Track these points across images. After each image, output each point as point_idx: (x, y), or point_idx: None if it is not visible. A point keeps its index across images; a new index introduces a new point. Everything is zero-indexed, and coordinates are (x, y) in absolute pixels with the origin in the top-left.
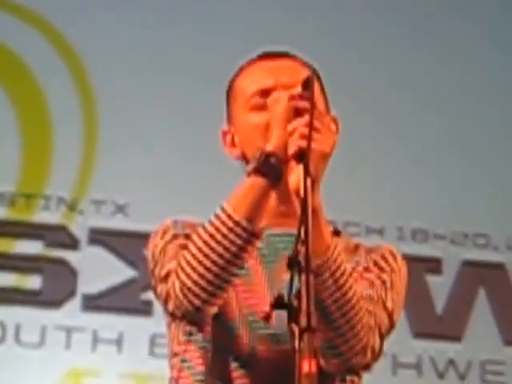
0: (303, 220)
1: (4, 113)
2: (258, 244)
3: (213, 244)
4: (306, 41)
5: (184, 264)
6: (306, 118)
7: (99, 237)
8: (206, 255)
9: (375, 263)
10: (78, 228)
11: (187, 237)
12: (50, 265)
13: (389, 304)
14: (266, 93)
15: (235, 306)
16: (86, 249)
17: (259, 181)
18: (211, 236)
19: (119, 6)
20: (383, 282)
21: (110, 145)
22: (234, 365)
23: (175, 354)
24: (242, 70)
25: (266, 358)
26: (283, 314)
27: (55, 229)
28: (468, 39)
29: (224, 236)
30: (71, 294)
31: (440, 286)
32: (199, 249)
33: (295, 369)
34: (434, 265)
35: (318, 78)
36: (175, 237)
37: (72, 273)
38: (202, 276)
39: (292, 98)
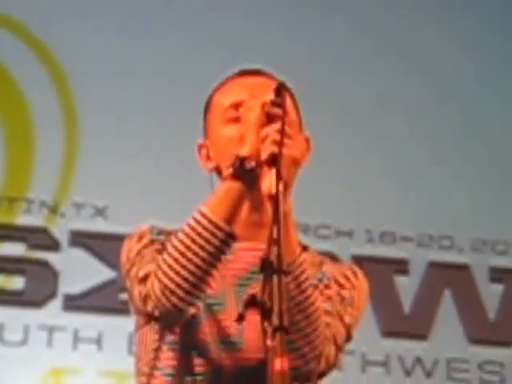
0: (275, 221)
1: None
2: (229, 257)
3: (188, 243)
4: (293, 57)
5: (162, 263)
6: (278, 124)
7: (80, 239)
8: (182, 253)
9: (336, 281)
10: (60, 230)
11: (162, 244)
12: (33, 266)
13: (346, 318)
14: (239, 106)
15: (202, 313)
16: (67, 251)
17: (235, 184)
18: (187, 235)
19: (98, 14)
20: (342, 298)
21: (89, 150)
22: (200, 366)
23: (140, 360)
24: (219, 86)
25: (230, 367)
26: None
27: (37, 231)
28: (442, 54)
29: (199, 235)
30: (53, 294)
31: (407, 287)
32: (175, 247)
33: (261, 374)
34: (401, 266)
35: (292, 96)
36: (152, 242)
37: (53, 274)
38: (178, 274)
39: (264, 104)
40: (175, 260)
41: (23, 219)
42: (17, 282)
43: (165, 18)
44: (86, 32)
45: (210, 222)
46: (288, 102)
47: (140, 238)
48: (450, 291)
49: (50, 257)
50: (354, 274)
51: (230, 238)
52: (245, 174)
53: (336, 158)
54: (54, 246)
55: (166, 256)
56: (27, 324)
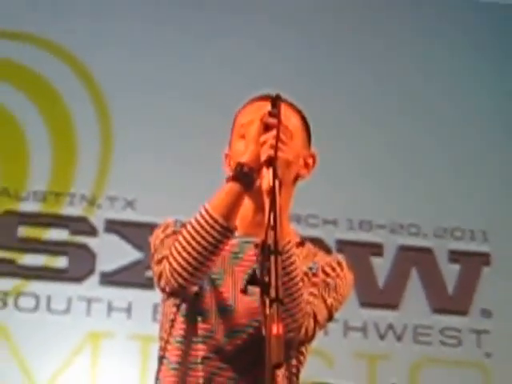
0: (271, 211)
1: (38, 128)
2: (234, 249)
3: (193, 233)
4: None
5: (173, 249)
6: (275, 131)
7: (113, 226)
8: (188, 242)
9: (323, 270)
10: (97, 219)
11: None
12: (74, 248)
13: (328, 301)
14: (247, 126)
15: (209, 292)
16: (102, 236)
17: (235, 186)
18: (193, 227)
19: (127, 37)
20: (327, 285)
21: (121, 153)
22: (203, 331)
23: (162, 329)
24: (241, 108)
25: (227, 330)
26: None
27: (78, 220)
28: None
29: (202, 227)
30: (91, 271)
31: (381, 266)
32: (184, 237)
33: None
34: (376, 249)
35: (305, 123)
36: (174, 232)
37: (92, 255)
38: (183, 258)
39: (263, 116)
40: (183, 247)
41: (67, 210)
42: (61, 262)
43: (186, 46)
44: (118, 52)
45: (211, 217)
46: (298, 128)
47: (165, 229)
48: (417, 270)
49: (89, 241)
50: (339, 264)
51: (227, 231)
52: (243, 176)
53: (323, 158)
54: (92, 232)
55: (176, 243)
56: (70, 296)
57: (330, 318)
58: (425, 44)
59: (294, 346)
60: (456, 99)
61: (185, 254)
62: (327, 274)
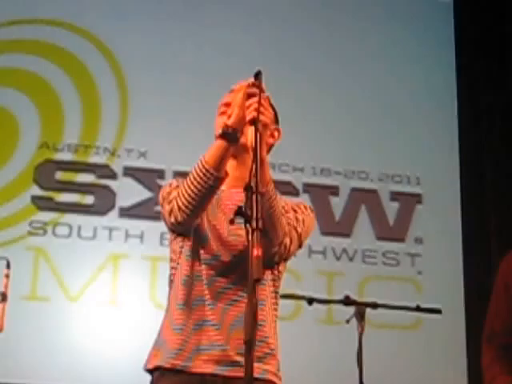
0: (254, 160)
1: (70, 95)
2: (224, 197)
3: (192, 180)
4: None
5: (179, 192)
6: (257, 98)
7: (129, 172)
8: (189, 187)
9: (293, 210)
10: (116, 166)
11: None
12: (99, 189)
13: (299, 229)
14: (228, 105)
15: (206, 226)
16: (121, 179)
17: (222, 142)
18: (192, 176)
19: (142, 24)
20: (296, 218)
21: (135, 115)
22: (205, 263)
23: (172, 260)
24: (223, 97)
25: (225, 255)
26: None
27: (102, 167)
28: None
29: (198, 175)
30: (112, 207)
31: (337, 204)
32: (186, 183)
33: (246, 258)
34: (333, 190)
35: (273, 107)
36: (177, 186)
37: (112, 194)
38: (186, 199)
39: (247, 86)
40: (185, 191)
41: (93, 159)
42: (89, 199)
43: (189, 34)
44: (132, 34)
45: (204, 167)
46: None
47: (170, 185)
48: (365, 207)
49: (110, 183)
50: (305, 207)
51: (217, 179)
52: (228, 135)
53: (291, 114)
54: (113, 176)
55: (181, 188)
56: (95, 226)
57: (300, 244)
58: (365, 21)
59: (277, 259)
60: (392, 60)
61: (187, 196)
62: (296, 212)
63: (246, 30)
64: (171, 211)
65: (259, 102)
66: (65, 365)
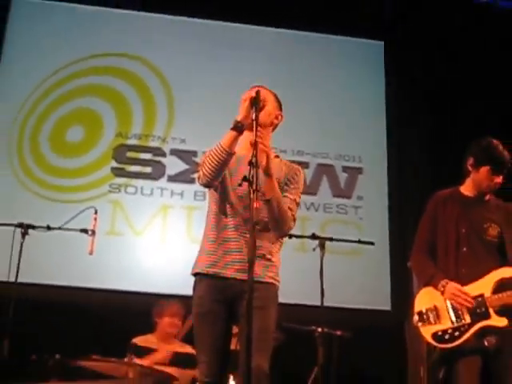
0: (254, 148)
1: (135, 100)
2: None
3: (213, 155)
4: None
5: (204, 162)
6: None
7: (175, 152)
8: (210, 159)
9: (292, 177)
10: (166, 148)
11: None
12: (154, 163)
13: (297, 199)
14: (245, 100)
15: (228, 182)
16: (169, 157)
17: (233, 132)
18: (214, 152)
19: (182, 51)
20: (294, 188)
21: (177, 116)
22: (228, 204)
23: (209, 203)
24: (242, 94)
25: (240, 206)
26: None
27: (156, 149)
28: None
29: (217, 151)
30: (162, 174)
31: (308, 174)
32: (208, 157)
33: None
34: (306, 165)
35: (277, 98)
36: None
37: (163, 166)
38: (208, 168)
39: (251, 98)
40: (208, 162)
41: (150, 144)
42: (148, 170)
43: (216, 64)
44: (177, 63)
45: (221, 147)
46: (271, 99)
47: (204, 155)
48: (326, 176)
49: (162, 159)
50: (299, 170)
51: (229, 155)
52: (237, 128)
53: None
54: (163, 155)
55: (205, 159)
56: (152, 187)
57: (297, 206)
58: (322, 58)
59: (283, 235)
60: (343, 83)
61: (208, 165)
62: (294, 179)
63: (251, 62)
64: (199, 177)
65: (256, 131)
66: (133, 273)
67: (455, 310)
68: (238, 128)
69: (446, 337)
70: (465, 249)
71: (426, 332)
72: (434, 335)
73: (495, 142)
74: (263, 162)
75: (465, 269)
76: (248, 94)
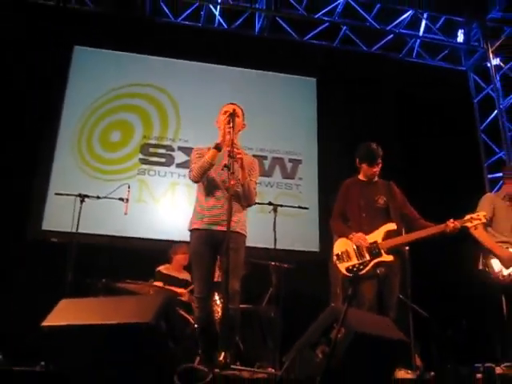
0: (231, 156)
1: (155, 116)
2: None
3: (202, 166)
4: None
5: (192, 169)
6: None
7: (180, 148)
8: (198, 169)
9: (253, 167)
10: (175, 146)
11: (202, 155)
12: (167, 155)
13: (257, 181)
14: (227, 112)
15: (213, 170)
16: (177, 152)
17: (215, 151)
18: (202, 164)
19: (185, 80)
20: (255, 174)
21: (183, 125)
22: (214, 183)
23: (199, 185)
24: (222, 108)
25: (222, 185)
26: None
27: (168, 146)
28: None
29: (204, 164)
30: (173, 163)
31: (266, 164)
32: (196, 167)
33: (229, 186)
34: (265, 157)
35: (243, 112)
36: (199, 154)
37: (173, 158)
38: (196, 174)
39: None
40: (196, 170)
41: (165, 142)
42: (162, 160)
43: (209, 86)
44: (183, 89)
45: (208, 161)
46: (238, 110)
47: (196, 151)
48: (278, 166)
49: (172, 153)
50: (256, 162)
51: (212, 165)
52: (217, 148)
53: (248, 123)
54: (173, 150)
55: (194, 167)
56: (166, 171)
57: (256, 184)
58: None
59: (249, 205)
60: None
61: (197, 172)
62: (254, 168)
63: (228, 91)
64: (190, 177)
65: (232, 145)
66: (153, 226)
67: (360, 251)
68: (218, 148)
69: (354, 269)
70: (364, 214)
71: (342, 267)
72: (347, 269)
73: (367, 144)
74: (239, 162)
75: (365, 227)
76: (226, 108)
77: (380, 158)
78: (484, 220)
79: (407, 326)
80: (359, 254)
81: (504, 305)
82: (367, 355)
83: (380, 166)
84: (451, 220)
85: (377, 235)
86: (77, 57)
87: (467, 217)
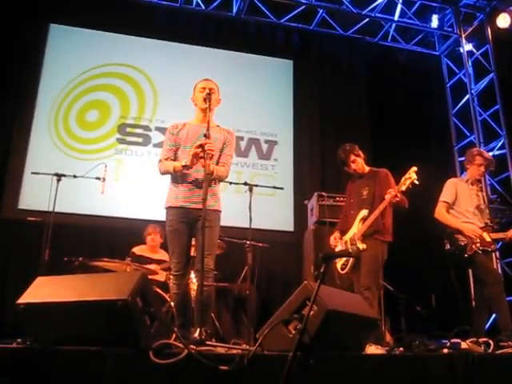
0: (208, 118)
1: (132, 95)
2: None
3: (166, 170)
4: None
5: (161, 166)
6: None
7: (157, 128)
8: (166, 170)
9: (229, 140)
10: (152, 126)
11: (176, 133)
12: (144, 135)
13: (232, 153)
14: (204, 89)
15: (186, 147)
16: (154, 132)
17: (180, 168)
18: (170, 169)
19: (164, 60)
20: (230, 146)
21: (160, 105)
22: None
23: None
24: (198, 83)
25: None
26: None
27: (145, 126)
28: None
29: (172, 171)
30: (149, 142)
31: (243, 144)
32: (162, 167)
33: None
34: (241, 138)
35: (218, 88)
36: (173, 133)
37: (149, 138)
38: (164, 171)
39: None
40: (164, 169)
41: (142, 122)
42: (139, 139)
43: (192, 65)
44: (160, 69)
45: (174, 170)
46: (213, 86)
47: (168, 132)
48: (254, 146)
49: (149, 133)
50: (232, 134)
51: (177, 173)
52: (186, 168)
53: (231, 109)
54: (150, 130)
55: (162, 165)
56: (143, 151)
57: (231, 157)
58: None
59: (222, 181)
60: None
61: (162, 171)
62: (229, 141)
63: (206, 71)
64: (159, 170)
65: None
66: (130, 205)
67: (343, 245)
68: (186, 168)
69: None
70: (352, 212)
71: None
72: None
73: (344, 147)
74: (209, 156)
75: (350, 223)
76: (201, 84)
77: (348, 157)
78: (415, 176)
79: (378, 302)
80: (344, 246)
81: (472, 280)
82: (338, 331)
83: (358, 159)
84: (389, 190)
85: (354, 227)
86: (53, 35)
87: (402, 180)
